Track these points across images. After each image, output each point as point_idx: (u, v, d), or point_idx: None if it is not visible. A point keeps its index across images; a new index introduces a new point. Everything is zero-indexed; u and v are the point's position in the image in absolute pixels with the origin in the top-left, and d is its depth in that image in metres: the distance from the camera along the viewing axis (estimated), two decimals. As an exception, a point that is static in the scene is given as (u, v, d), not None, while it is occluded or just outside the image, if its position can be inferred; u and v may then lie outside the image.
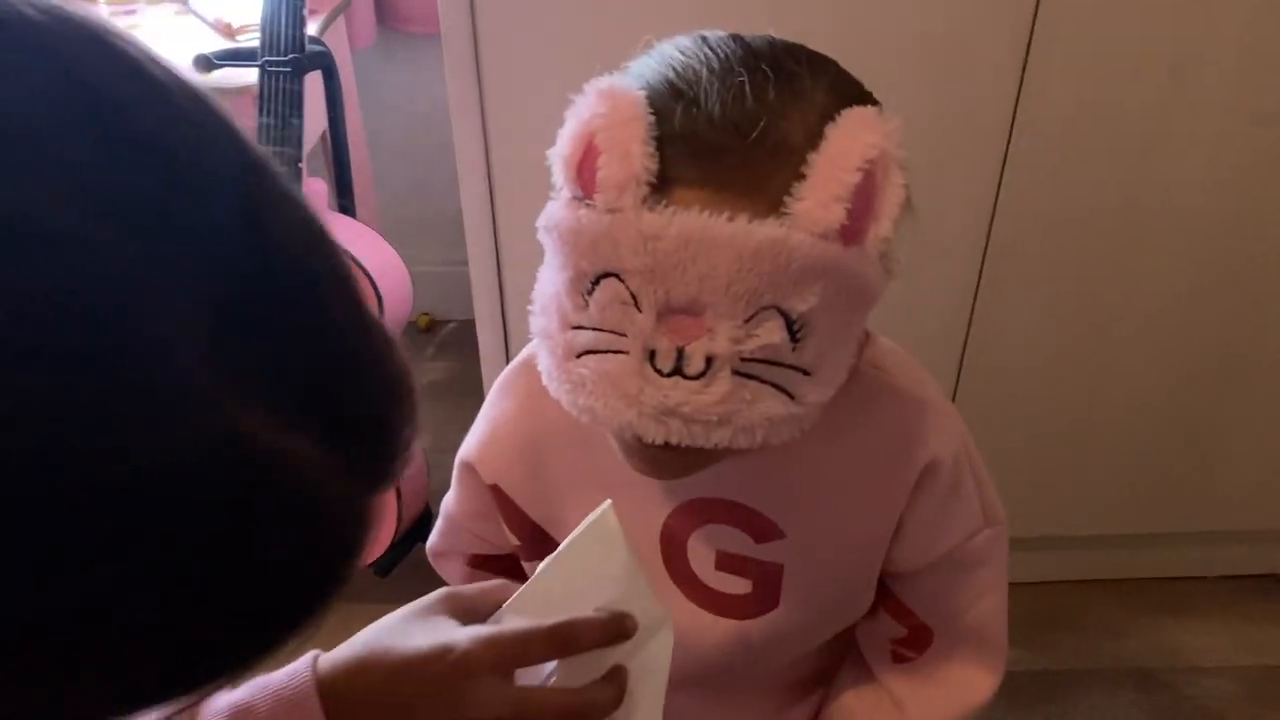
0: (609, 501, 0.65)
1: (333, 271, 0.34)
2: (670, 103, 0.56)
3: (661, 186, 0.55)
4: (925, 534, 0.74)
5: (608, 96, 0.55)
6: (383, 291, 1.43)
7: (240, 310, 0.29)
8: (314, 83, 1.38)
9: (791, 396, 0.58)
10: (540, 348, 0.62)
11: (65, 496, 0.26)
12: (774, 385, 0.57)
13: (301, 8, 1.29)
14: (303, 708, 0.57)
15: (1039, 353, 1.40)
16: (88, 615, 0.28)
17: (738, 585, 0.76)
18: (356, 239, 1.46)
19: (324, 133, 1.57)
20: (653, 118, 0.55)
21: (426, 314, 2.25)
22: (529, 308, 0.64)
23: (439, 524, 0.88)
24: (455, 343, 2.22)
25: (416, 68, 1.89)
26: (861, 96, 0.59)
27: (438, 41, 1.81)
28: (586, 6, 1.15)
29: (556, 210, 0.58)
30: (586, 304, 0.57)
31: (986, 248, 1.31)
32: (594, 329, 0.58)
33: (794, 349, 0.56)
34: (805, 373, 0.58)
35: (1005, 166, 1.25)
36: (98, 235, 0.27)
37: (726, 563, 0.75)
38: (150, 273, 0.27)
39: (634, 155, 0.54)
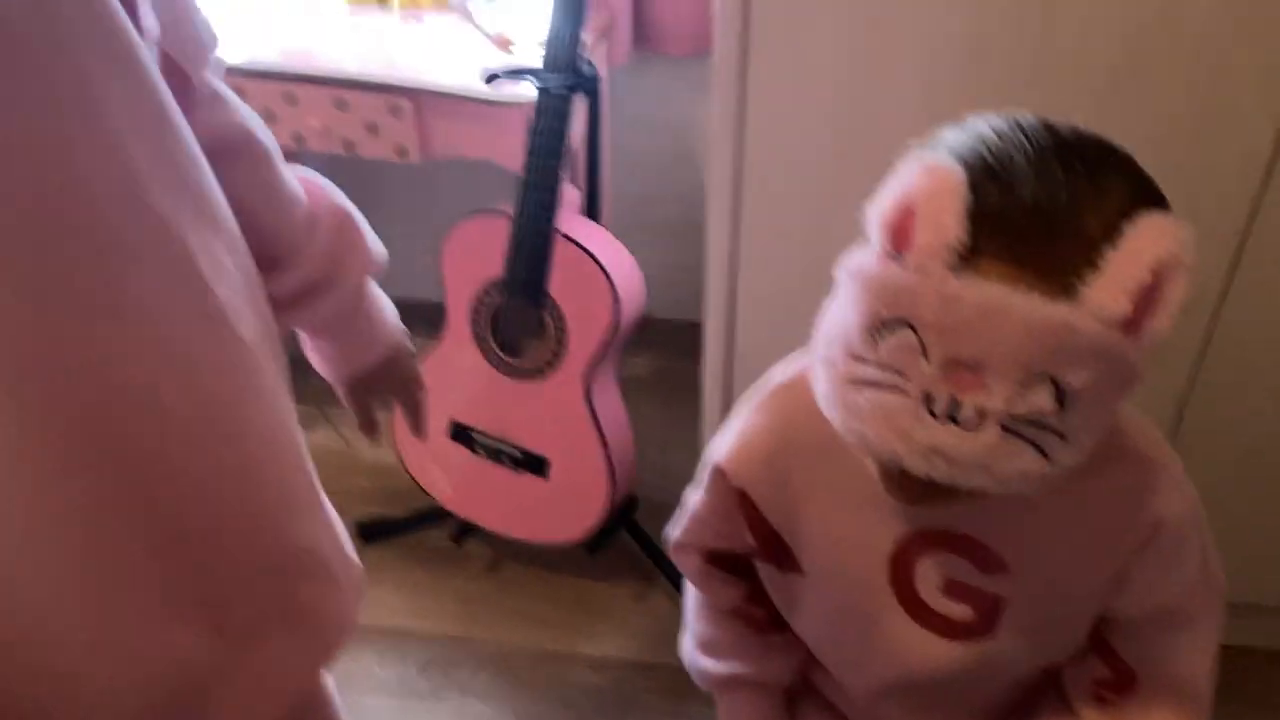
0: None
1: None
2: (986, 182, 0.62)
3: (967, 256, 0.62)
4: (1145, 588, 0.80)
5: (932, 171, 0.62)
6: (621, 295, 1.55)
7: None
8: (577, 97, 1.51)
9: (1047, 457, 0.64)
10: (820, 371, 0.70)
11: None
12: (1034, 444, 0.63)
13: (581, 35, 1.42)
14: None
15: (1256, 418, 1.40)
16: None
17: (960, 611, 0.83)
18: (601, 243, 1.59)
19: (577, 143, 1.70)
20: (969, 194, 0.62)
21: (639, 312, 2.38)
22: (814, 334, 0.71)
23: (681, 519, 0.97)
24: (660, 341, 2.32)
25: (665, 86, 2.00)
26: (1158, 198, 0.65)
27: (688, 63, 1.94)
28: (853, 46, 1.22)
29: (864, 259, 0.66)
30: (875, 344, 0.65)
31: (1223, 301, 1.32)
32: (877, 366, 0.65)
33: (1058, 415, 0.63)
34: (1063, 437, 0.64)
35: (1237, 270, 1.26)
36: None
37: (952, 589, 0.83)
38: None
39: (948, 226, 0.61)
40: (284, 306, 0.77)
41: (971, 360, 0.62)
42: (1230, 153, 1.21)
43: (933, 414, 0.63)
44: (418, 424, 1.00)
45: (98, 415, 0.50)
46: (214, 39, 0.67)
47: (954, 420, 0.63)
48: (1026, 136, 0.65)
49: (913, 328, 0.63)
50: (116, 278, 0.50)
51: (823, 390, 0.70)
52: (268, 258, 0.73)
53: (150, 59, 0.52)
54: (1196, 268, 0.62)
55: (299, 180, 0.79)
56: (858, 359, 0.66)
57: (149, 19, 0.56)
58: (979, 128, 0.67)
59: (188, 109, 0.56)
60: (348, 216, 0.82)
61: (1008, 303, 0.60)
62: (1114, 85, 1.19)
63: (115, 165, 0.50)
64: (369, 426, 0.97)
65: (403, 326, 0.95)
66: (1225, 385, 1.37)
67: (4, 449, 0.47)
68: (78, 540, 0.51)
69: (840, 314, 0.69)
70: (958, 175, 0.62)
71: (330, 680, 0.80)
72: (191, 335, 0.55)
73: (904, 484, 0.71)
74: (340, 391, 0.95)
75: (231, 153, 0.69)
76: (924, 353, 0.63)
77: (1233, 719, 1.54)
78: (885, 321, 0.64)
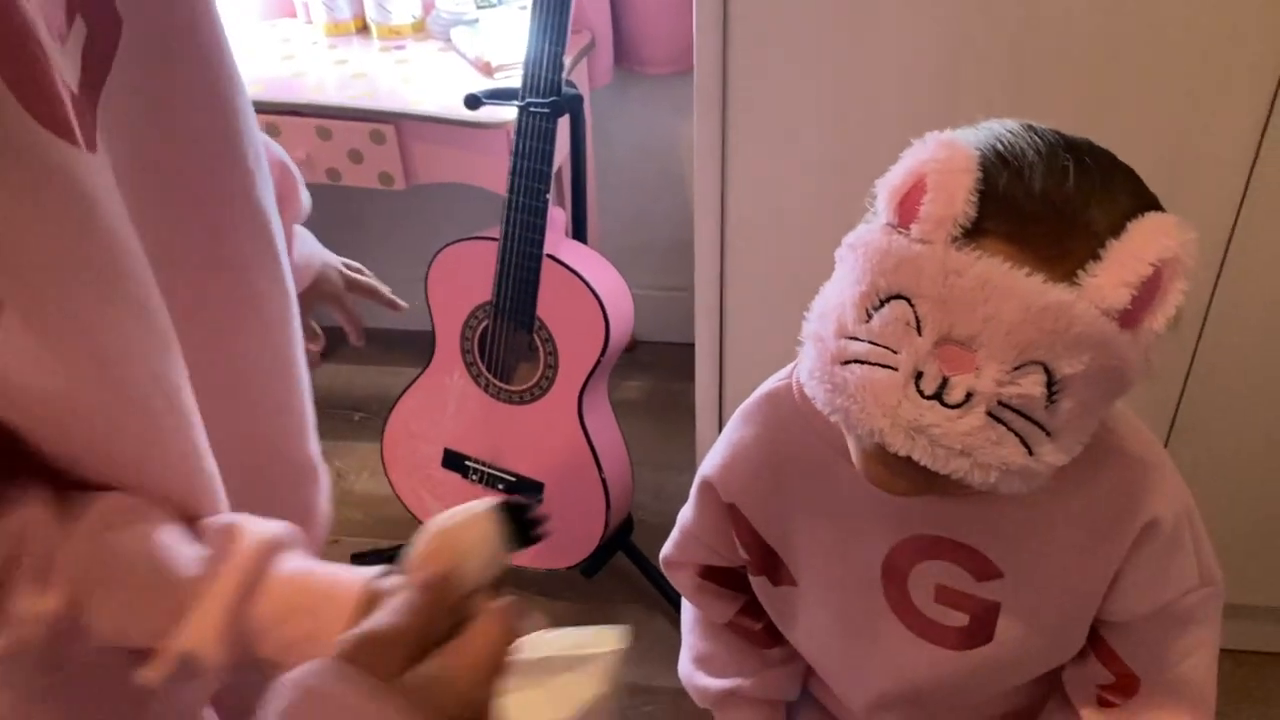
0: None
1: None
2: (998, 168, 0.63)
3: (972, 233, 0.62)
4: (1140, 588, 0.79)
5: (947, 146, 0.63)
6: (610, 315, 1.55)
7: None
8: (561, 118, 1.51)
9: (1030, 451, 0.63)
10: (809, 348, 0.69)
11: None
12: (1018, 435, 0.63)
13: (561, 55, 1.42)
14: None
15: (1254, 418, 1.40)
16: None
17: (954, 618, 0.82)
18: (588, 264, 1.58)
19: (562, 165, 1.70)
20: (980, 175, 0.62)
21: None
22: (805, 314, 0.70)
23: (674, 536, 0.97)
24: (652, 362, 2.33)
25: (647, 106, 2.01)
26: (1160, 207, 0.65)
27: (669, 82, 1.95)
28: (832, 61, 1.23)
29: (868, 232, 0.65)
30: (869, 318, 0.64)
31: (1212, 299, 1.31)
32: (869, 342, 0.64)
33: (1047, 407, 0.62)
34: (1048, 433, 0.63)
35: (1230, 245, 1.26)
36: None
37: (945, 596, 0.82)
38: None
39: (957, 199, 0.61)
40: None
41: (966, 337, 0.61)
42: (1213, 158, 1.21)
43: (920, 392, 0.63)
44: (356, 330, 1.18)
45: (206, 345, 0.62)
46: None
47: (941, 401, 0.62)
48: (1039, 136, 0.65)
49: (909, 301, 0.62)
50: (218, 236, 0.62)
51: (809, 367, 0.69)
52: None
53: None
54: (1194, 273, 0.62)
55: None
56: (849, 337, 0.66)
57: None
58: (992, 127, 0.67)
59: None
60: (286, 168, 0.91)
61: (1009, 280, 0.60)
62: (1093, 92, 1.19)
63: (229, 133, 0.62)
64: (310, 338, 1.08)
65: (324, 250, 1.08)
66: (1218, 386, 1.37)
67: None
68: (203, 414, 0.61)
69: (836, 290, 0.68)
70: (972, 154, 0.63)
71: None
72: (268, 289, 0.67)
73: (883, 463, 0.69)
74: None
75: None
76: (918, 327, 0.62)
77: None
78: (883, 294, 0.63)
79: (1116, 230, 0.61)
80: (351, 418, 2.20)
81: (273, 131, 1.66)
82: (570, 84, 1.50)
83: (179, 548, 0.57)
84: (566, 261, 1.55)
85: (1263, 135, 1.18)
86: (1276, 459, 1.42)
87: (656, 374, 2.30)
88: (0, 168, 0.45)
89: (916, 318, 0.62)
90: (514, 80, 1.51)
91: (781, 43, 1.23)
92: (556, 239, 1.58)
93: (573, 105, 1.48)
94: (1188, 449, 1.42)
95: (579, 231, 1.69)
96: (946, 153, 0.62)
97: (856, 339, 0.65)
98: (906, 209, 0.63)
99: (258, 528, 0.59)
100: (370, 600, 0.49)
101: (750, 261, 1.38)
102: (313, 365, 1.10)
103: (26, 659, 0.55)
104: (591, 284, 1.55)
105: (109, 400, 0.52)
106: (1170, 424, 1.41)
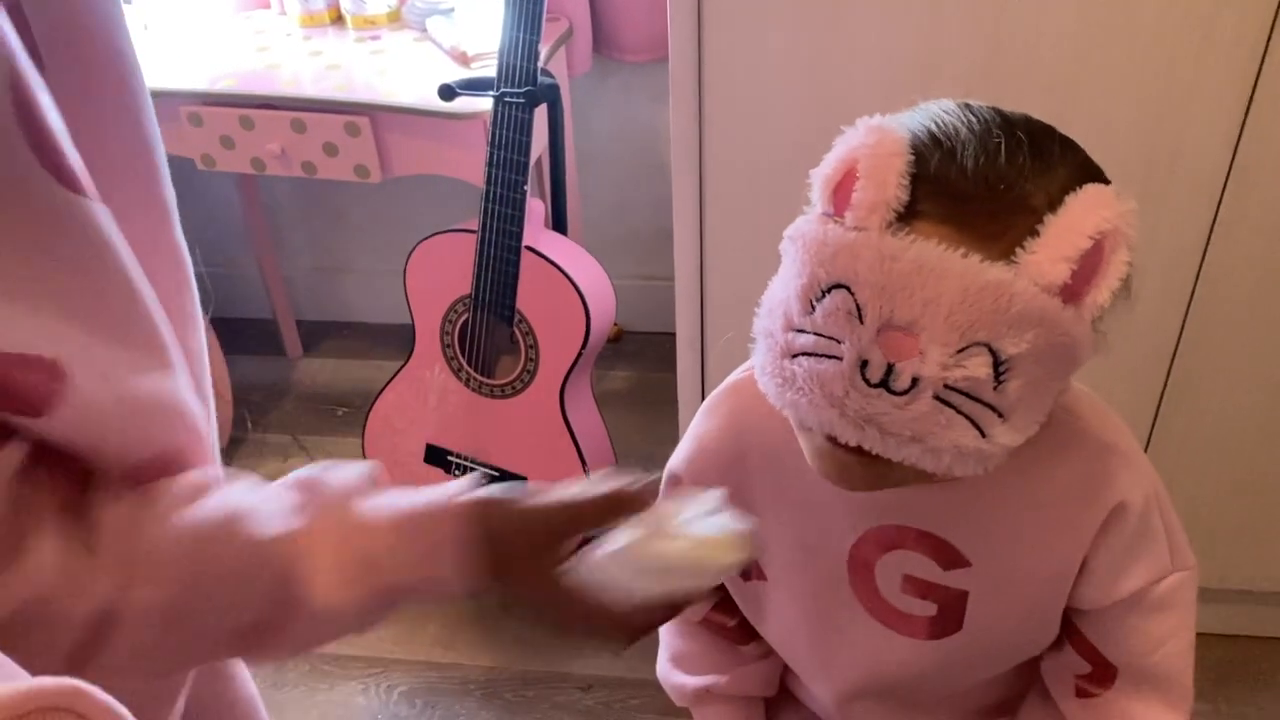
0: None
1: None
2: (930, 149, 0.62)
3: (906, 217, 0.61)
4: (1110, 575, 0.77)
5: (876, 131, 0.62)
6: (591, 307, 1.53)
7: None
8: (538, 108, 1.49)
9: (982, 433, 0.62)
10: (759, 345, 0.69)
11: None
12: (968, 418, 0.62)
13: (536, 44, 1.40)
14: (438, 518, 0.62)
15: (1238, 404, 1.38)
16: None
17: (922, 608, 0.81)
18: (569, 256, 1.57)
19: (540, 155, 1.68)
20: (912, 157, 0.61)
21: (615, 324, 2.36)
22: (755, 309, 0.70)
23: (646, 529, 0.96)
24: (638, 353, 2.32)
25: (627, 93, 1.99)
26: (1102, 179, 0.64)
27: (649, 69, 1.93)
28: (807, 47, 1.21)
29: (805, 224, 0.65)
30: (813, 309, 0.63)
31: (1195, 286, 1.30)
32: (814, 334, 0.64)
33: (995, 388, 0.61)
34: (1000, 414, 0.62)
35: (1215, 223, 1.25)
36: None
37: (912, 586, 0.80)
38: None
39: (889, 184, 0.60)
40: None
41: (907, 322, 0.61)
42: (1189, 151, 1.19)
43: (866, 380, 0.62)
44: None
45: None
46: None
47: (888, 388, 0.62)
48: (974, 115, 0.64)
49: (849, 289, 0.62)
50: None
51: (760, 363, 0.69)
52: None
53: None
54: (1135, 244, 0.61)
55: None
56: (796, 330, 0.65)
57: None
58: (928, 107, 0.67)
59: None
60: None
61: (945, 262, 0.59)
62: (1069, 91, 1.18)
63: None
64: None
65: None
66: (1204, 369, 1.35)
67: None
68: None
69: (781, 283, 0.68)
70: (901, 137, 0.62)
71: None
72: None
73: (836, 458, 0.68)
74: None
75: None
76: (860, 315, 0.62)
77: (1247, 704, 1.54)
78: (823, 284, 0.63)
79: (1055, 205, 0.60)
80: (335, 413, 2.19)
81: (247, 125, 1.64)
82: (547, 73, 1.48)
83: (261, 508, 0.60)
84: (546, 253, 1.54)
85: (1248, 107, 1.16)
86: (1265, 441, 1.41)
87: (641, 364, 2.28)
88: (47, 232, 0.49)
89: (858, 306, 0.61)
90: (491, 70, 1.49)
91: (756, 27, 1.21)
92: (536, 230, 1.56)
93: (549, 94, 1.46)
94: (1175, 432, 1.40)
95: (559, 222, 1.67)
96: (876, 137, 0.62)
97: (802, 331, 0.65)
98: (840, 197, 0.62)
99: (339, 473, 0.63)
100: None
101: (730, 249, 1.37)
102: None
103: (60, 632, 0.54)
104: (571, 276, 1.53)
105: (134, 419, 0.56)
106: (1156, 408, 1.40)
